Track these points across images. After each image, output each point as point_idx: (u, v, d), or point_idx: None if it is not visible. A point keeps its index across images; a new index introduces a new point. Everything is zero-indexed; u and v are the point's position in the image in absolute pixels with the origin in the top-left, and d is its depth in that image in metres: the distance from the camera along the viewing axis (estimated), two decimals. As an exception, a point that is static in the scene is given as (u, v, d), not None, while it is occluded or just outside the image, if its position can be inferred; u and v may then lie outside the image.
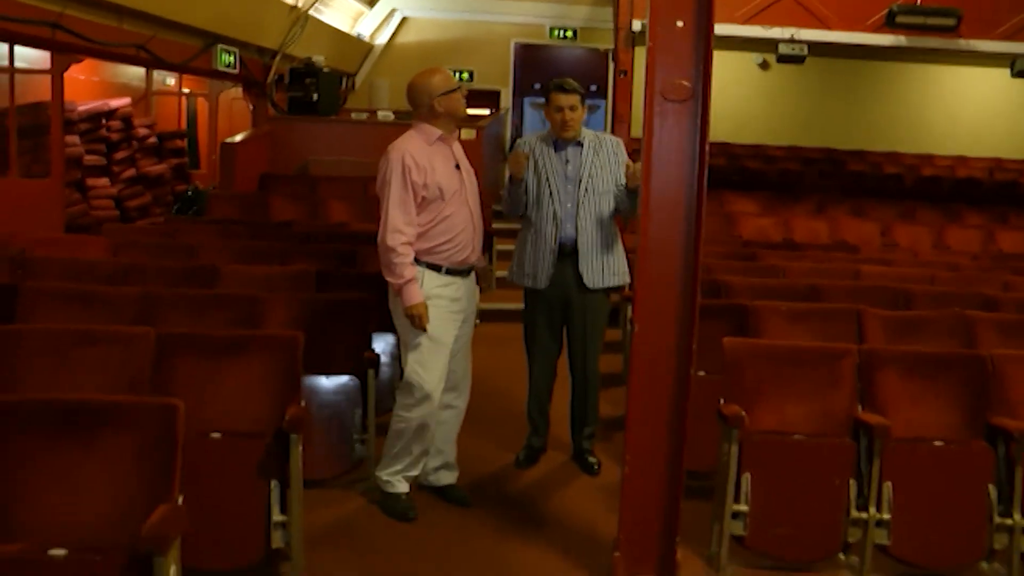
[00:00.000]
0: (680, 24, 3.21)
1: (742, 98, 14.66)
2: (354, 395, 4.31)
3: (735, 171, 12.81)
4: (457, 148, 4.18)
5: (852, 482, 3.66)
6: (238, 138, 10.20)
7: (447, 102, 4.03)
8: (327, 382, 4.26)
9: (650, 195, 3.36)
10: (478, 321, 4.59)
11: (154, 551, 2.37)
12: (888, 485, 3.64)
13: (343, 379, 4.29)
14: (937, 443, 3.73)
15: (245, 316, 4.41)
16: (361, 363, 4.36)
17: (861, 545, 3.65)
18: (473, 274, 4.23)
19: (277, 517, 3.36)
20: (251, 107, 10.83)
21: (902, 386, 3.85)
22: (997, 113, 14.10)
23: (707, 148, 3.28)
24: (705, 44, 3.21)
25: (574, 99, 4.51)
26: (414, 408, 3.99)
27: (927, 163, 13.78)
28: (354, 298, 4.65)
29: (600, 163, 4.54)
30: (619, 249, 4.58)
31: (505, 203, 4.68)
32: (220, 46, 9.19)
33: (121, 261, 5.68)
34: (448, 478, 4.33)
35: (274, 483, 3.37)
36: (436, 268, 4.02)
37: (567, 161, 4.55)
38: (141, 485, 2.60)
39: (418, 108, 4.06)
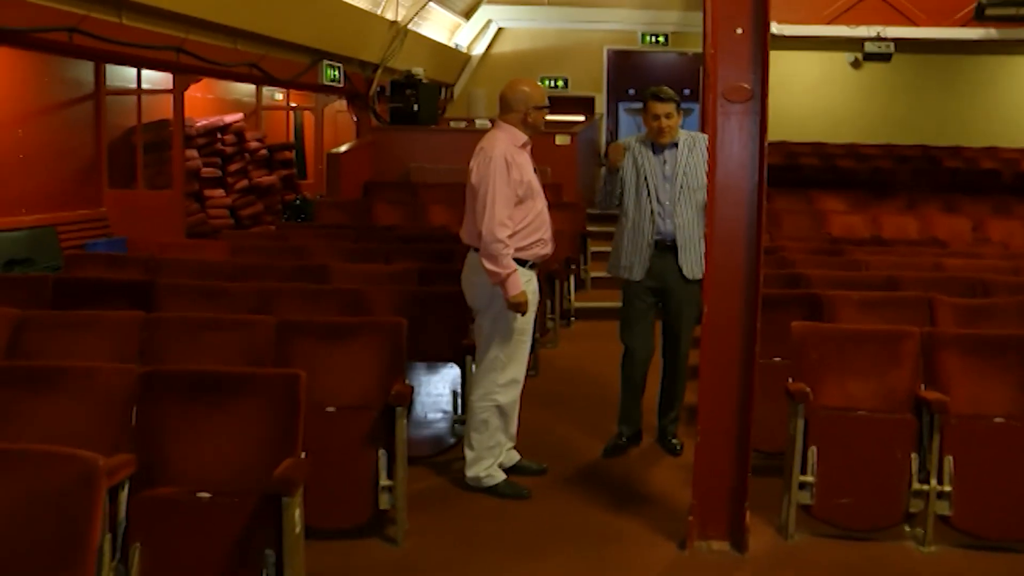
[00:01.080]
0: (739, 31, 3.52)
1: (834, 97, 14.69)
2: (453, 380, 4.72)
3: (827, 170, 12.86)
4: (530, 154, 4.52)
5: (914, 456, 3.89)
6: (343, 148, 10.79)
7: (537, 116, 4.39)
8: (428, 367, 4.68)
9: (715, 188, 3.68)
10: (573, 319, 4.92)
11: (283, 493, 2.81)
12: (949, 459, 3.85)
13: (444, 365, 4.70)
14: (998, 420, 3.94)
15: (353, 307, 4.85)
16: (459, 350, 4.73)
17: (923, 516, 3.87)
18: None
19: (384, 482, 3.77)
20: (354, 119, 11.44)
21: (964, 366, 4.06)
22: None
23: (766, 144, 3.60)
24: (762, 49, 3.52)
25: (670, 107, 4.76)
26: (501, 392, 4.33)
27: (1027, 157, 13.58)
28: (452, 291, 5.03)
29: (694, 161, 4.75)
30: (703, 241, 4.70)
31: (600, 196, 4.98)
32: (325, 62, 9.80)
33: (240, 262, 6.23)
34: (515, 455, 4.63)
35: (381, 452, 3.79)
36: (523, 263, 4.30)
37: (664, 162, 4.80)
38: (270, 441, 3.04)
39: (511, 112, 4.38)
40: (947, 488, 3.84)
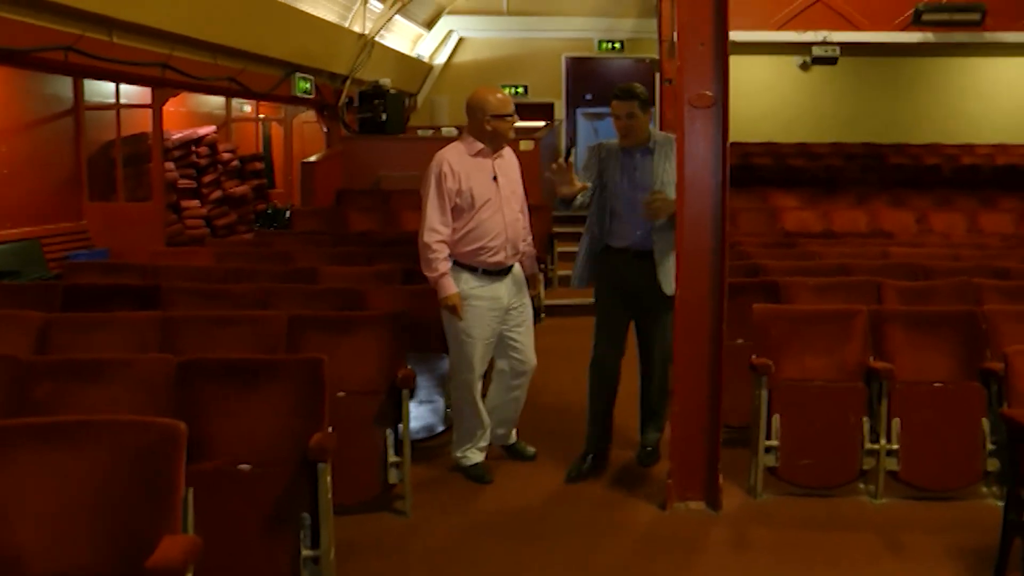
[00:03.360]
0: (702, 46, 3.97)
1: (785, 99, 15.29)
2: (443, 369, 5.09)
3: (780, 169, 13.41)
4: (503, 162, 4.57)
5: (865, 419, 4.36)
6: (315, 158, 11.13)
7: (499, 124, 4.46)
8: (420, 358, 5.03)
9: (684, 185, 4.12)
10: (543, 316, 5.12)
11: (319, 459, 3.20)
12: (896, 421, 4.33)
13: (435, 355, 5.07)
14: (937, 384, 4.42)
15: (349, 304, 5.21)
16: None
17: (875, 472, 4.35)
18: (515, 274, 4.63)
19: (392, 459, 4.16)
20: (325, 129, 11.78)
21: (907, 339, 4.55)
22: (1036, 100, 14.54)
23: (728, 144, 4.04)
24: (722, 61, 3.97)
25: (631, 106, 4.46)
26: (457, 390, 4.65)
27: (967, 152, 14.24)
28: (438, 287, 5.43)
29: (672, 167, 4.37)
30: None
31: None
32: (298, 74, 10.14)
33: (230, 267, 6.53)
34: (512, 437, 4.94)
35: (389, 431, 4.18)
36: (472, 270, 4.47)
37: (636, 168, 4.52)
38: (300, 418, 3.41)
39: (471, 121, 4.50)
40: (895, 446, 4.32)
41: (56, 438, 2.54)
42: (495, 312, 4.54)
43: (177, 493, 2.52)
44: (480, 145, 4.49)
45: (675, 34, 4.29)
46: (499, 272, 4.53)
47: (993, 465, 4.30)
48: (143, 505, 2.49)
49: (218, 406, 3.42)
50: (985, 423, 4.33)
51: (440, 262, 4.40)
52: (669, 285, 4.37)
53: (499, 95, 4.52)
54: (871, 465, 4.36)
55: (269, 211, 12.00)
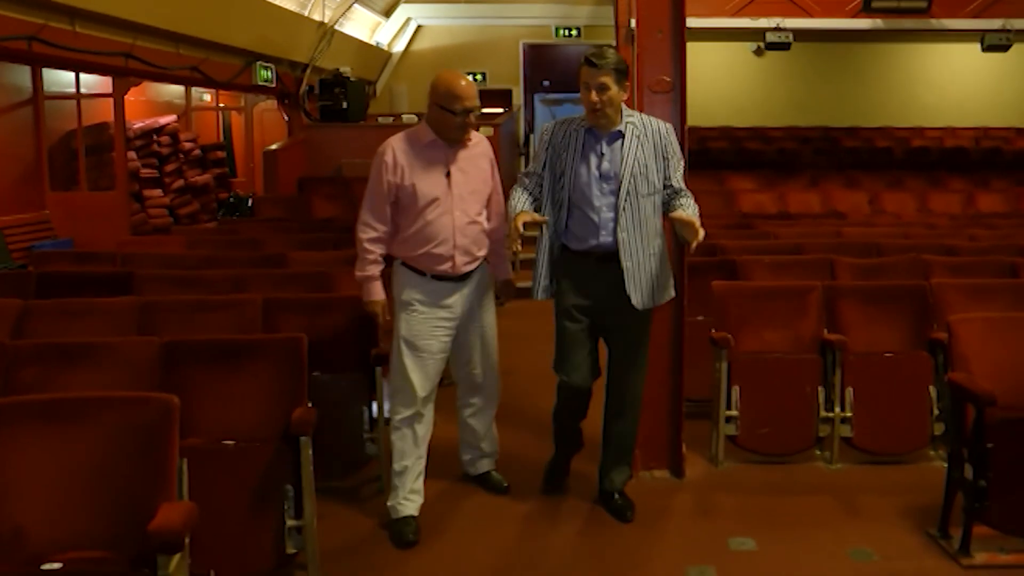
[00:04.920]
0: (660, 33, 4.14)
1: (740, 84, 15.55)
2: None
3: (736, 152, 13.68)
4: (466, 156, 3.93)
5: (820, 389, 4.57)
6: (276, 146, 11.18)
7: (441, 116, 3.80)
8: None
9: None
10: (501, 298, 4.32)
11: (302, 433, 3.34)
12: (850, 390, 4.55)
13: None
14: (888, 355, 4.65)
15: (320, 287, 5.33)
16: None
17: (830, 439, 4.57)
18: (477, 280, 4.03)
19: (368, 433, 4.31)
20: (286, 117, 11.83)
21: (860, 312, 4.77)
22: (982, 84, 14.91)
23: (686, 127, 4.22)
24: (680, 47, 4.14)
25: (605, 76, 3.60)
26: (400, 412, 3.93)
27: (917, 135, 14.59)
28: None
29: (646, 157, 3.71)
30: (665, 259, 3.89)
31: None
32: (259, 63, 10.18)
33: (201, 253, 6.64)
34: (485, 466, 4.36)
35: (363, 408, 4.33)
36: (420, 273, 3.90)
37: (602, 154, 3.72)
38: (281, 396, 3.53)
39: (428, 105, 3.88)
40: (848, 414, 4.54)
41: (56, 415, 2.66)
42: (446, 323, 3.94)
43: (172, 463, 2.66)
44: (430, 134, 3.86)
45: (632, 21, 4.39)
46: (452, 278, 3.93)
47: (939, 429, 4.54)
48: (141, 475, 2.63)
49: (203, 385, 3.53)
50: (932, 390, 4.56)
51: (369, 263, 3.91)
52: (641, 297, 3.73)
53: (454, 87, 3.77)
54: (826, 432, 4.58)
55: (232, 199, 12.04)
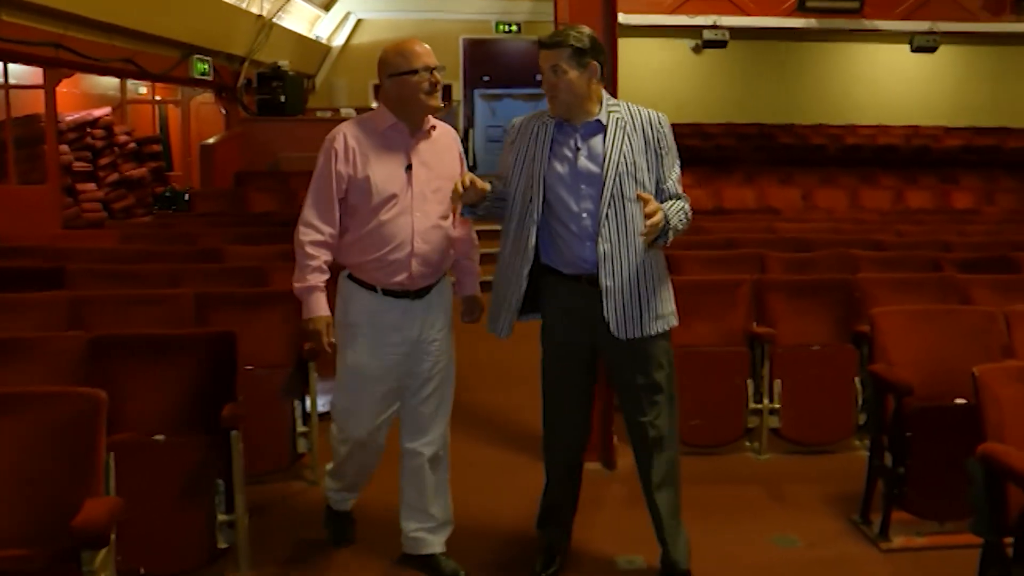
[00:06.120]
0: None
1: (678, 81, 15.70)
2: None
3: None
4: (429, 146, 3.30)
5: (750, 381, 4.67)
6: (213, 140, 11.06)
7: (399, 87, 3.18)
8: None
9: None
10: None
11: (233, 427, 3.33)
12: (778, 382, 4.66)
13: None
14: (815, 347, 4.76)
15: (254, 282, 5.29)
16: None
17: (759, 430, 4.68)
18: (436, 298, 3.36)
19: (300, 428, 4.30)
20: (223, 111, 11.70)
21: (788, 305, 4.88)
22: (913, 84, 15.25)
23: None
24: (611, 42, 4.19)
25: (558, 58, 3.06)
26: (341, 445, 3.47)
27: (851, 133, 14.89)
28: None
29: (635, 152, 3.09)
30: (663, 278, 3.20)
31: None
32: (196, 56, 10.06)
33: (135, 248, 6.55)
34: (430, 545, 3.47)
35: (296, 403, 4.32)
36: (371, 288, 3.26)
37: (577, 149, 3.12)
38: (211, 391, 3.51)
39: (380, 86, 3.27)
40: (777, 406, 4.64)
41: (-24, 410, 2.62)
42: (399, 348, 3.30)
43: (99, 458, 2.64)
44: (391, 118, 3.23)
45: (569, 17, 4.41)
46: (408, 294, 3.28)
47: (864, 419, 4.66)
48: (66, 471, 2.61)
49: (132, 380, 3.49)
50: (857, 382, 4.68)
51: (310, 271, 3.19)
52: (621, 324, 3.09)
53: (406, 46, 3.20)
54: (755, 424, 4.68)
55: (167, 193, 11.86)
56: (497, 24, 15.54)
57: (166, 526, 3.28)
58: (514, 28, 15.55)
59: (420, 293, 3.29)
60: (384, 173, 3.18)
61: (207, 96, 12.80)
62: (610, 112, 3.12)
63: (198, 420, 3.47)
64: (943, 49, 12.52)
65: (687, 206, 3.15)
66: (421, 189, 3.22)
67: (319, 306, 3.21)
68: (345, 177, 3.18)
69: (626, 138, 3.09)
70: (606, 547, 3.67)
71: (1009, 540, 2.79)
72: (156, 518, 3.24)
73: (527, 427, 5.15)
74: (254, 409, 3.89)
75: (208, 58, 10.42)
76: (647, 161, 3.09)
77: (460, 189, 3.03)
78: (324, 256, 3.22)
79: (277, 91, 11.67)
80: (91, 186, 10.90)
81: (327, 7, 14.67)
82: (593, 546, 3.71)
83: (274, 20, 11.75)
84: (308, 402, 4.37)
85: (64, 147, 10.22)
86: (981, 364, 3.04)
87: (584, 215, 3.08)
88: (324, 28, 14.93)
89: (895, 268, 5.73)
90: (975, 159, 12.80)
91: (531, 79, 17.16)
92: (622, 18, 4.00)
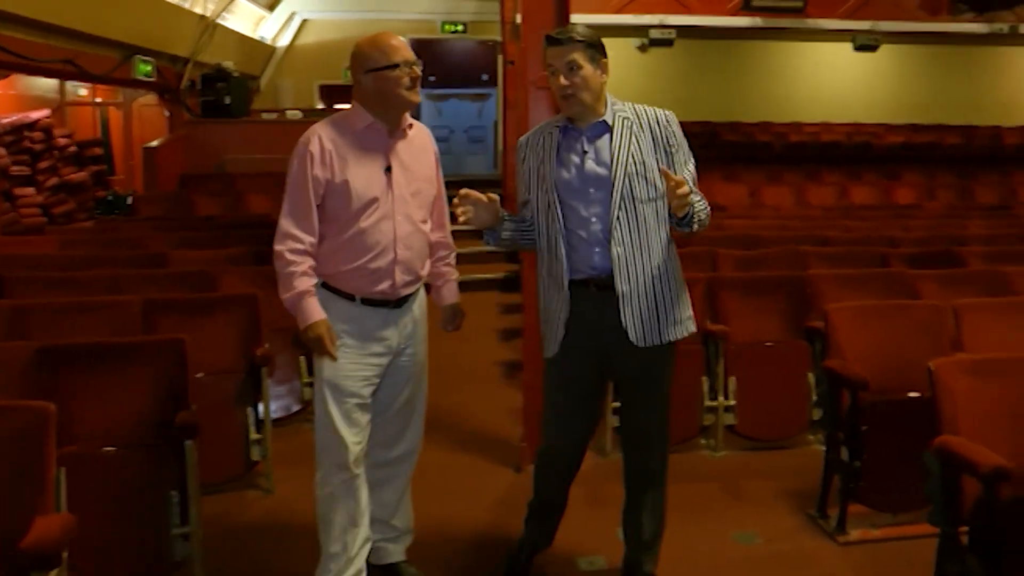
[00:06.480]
0: (542, 32, 4.15)
1: (625, 79, 15.65)
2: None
3: (621, 148, 13.84)
4: (406, 147, 3.15)
5: (704, 379, 4.69)
6: (157, 143, 10.87)
7: (379, 82, 3.01)
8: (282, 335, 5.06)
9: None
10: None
11: (187, 437, 3.26)
12: (732, 379, 4.69)
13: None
14: (768, 344, 4.80)
15: (202, 287, 5.19)
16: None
17: (714, 427, 4.71)
18: (415, 306, 3.24)
19: (254, 436, 4.23)
20: (167, 113, 11.50)
21: (741, 303, 4.92)
22: (855, 82, 15.46)
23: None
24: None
25: (574, 53, 2.94)
26: (332, 477, 3.13)
27: (795, 130, 15.04)
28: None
29: (643, 153, 2.99)
30: (680, 282, 3.13)
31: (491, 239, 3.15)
32: (138, 57, 9.86)
33: (76, 254, 6.40)
34: (392, 554, 3.43)
35: (249, 410, 4.25)
36: (348, 298, 3.10)
37: (584, 152, 3.01)
38: (163, 398, 3.44)
39: (355, 84, 3.10)
40: (732, 403, 4.67)
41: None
42: (378, 360, 3.15)
43: (49, 473, 2.56)
44: (368, 117, 3.08)
45: (518, 16, 4.37)
46: (387, 303, 3.14)
47: (818, 414, 4.71)
48: (15, 488, 2.53)
49: (81, 391, 3.41)
50: (810, 377, 4.73)
51: (298, 277, 2.99)
52: (640, 331, 2.99)
53: (383, 40, 3.04)
54: (711, 421, 4.71)
55: (110, 198, 11.62)
56: (443, 24, 15.48)
57: (119, 540, 3.21)
58: (460, 28, 15.50)
59: (400, 302, 3.16)
60: (364, 176, 3.03)
61: (150, 98, 12.55)
62: (616, 112, 3.03)
63: (150, 430, 3.41)
64: (884, 48, 12.74)
65: (705, 203, 3.02)
66: (401, 192, 3.09)
67: (314, 311, 3.00)
68: (322, 182, 3.00)
69: (633, 138, 2.99)
70: (566, 548, 3.65)
71: (964, 529, 2.83)
72: (109, 532, 3.17)
73: (479, 429, 5.16)
74: (206, 417, 3.80)
75: (151, 59, 10.22)
76: (657, 160, 2.98)
77: (485, 199, 2.96)
78: (308, 262, 3.02)
79: (222, 92, 11.49)
80: (30, 191, 10.59)
81: (271, 7, 14.48)
82: (553, 547, 3.67)
83: (218, 21, 11.57)
84: (261, 408, 4.31)
85: (1, 150, 9.95)
86: (933, 358, 3.08)
87: (594, 219, 2.97)
88: (269, 29, 14.74)
89: (844, 264, 5.80)
90: (915, 155, 13.02)
91: (477, 79, 17.28)
92: (570, 18, 4.00)
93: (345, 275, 3.06)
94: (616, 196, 2.94)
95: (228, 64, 11.62)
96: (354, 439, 3.11)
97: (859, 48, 12.28)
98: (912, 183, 11.24)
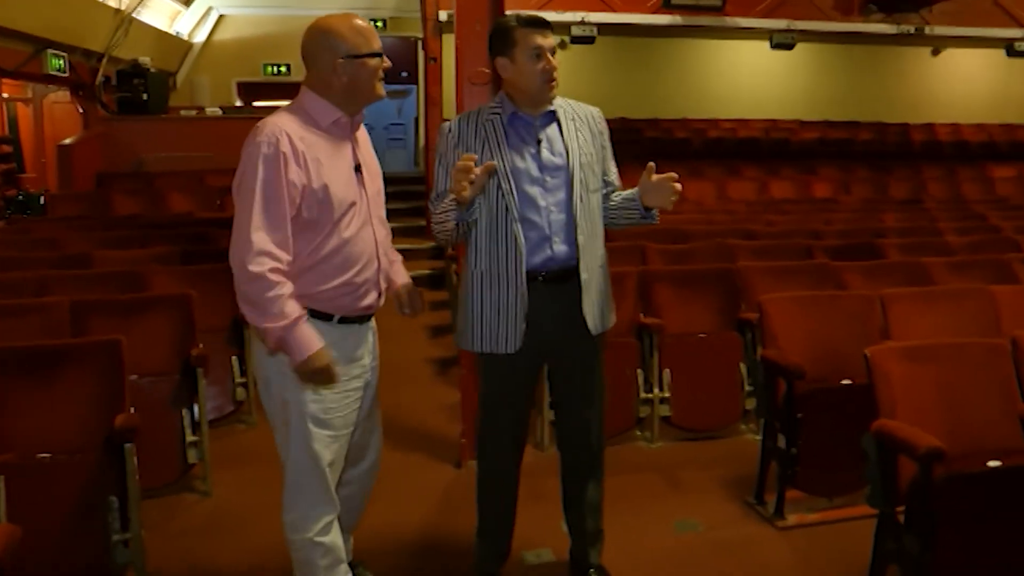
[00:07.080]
0: (478, 27, 4.19)
1: (547, 76, 15.83)
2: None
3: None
4: (362, 140, 2.87)
5: (640, 371, 4.76)
6: (71, 140, 10.56)
7: (355, 71, 2.66)
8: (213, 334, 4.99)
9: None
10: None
11: (126, 440, 3.19)
12: (667, 371, 4.77)
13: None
14: (701, 335, 4.89)
15: (131, 287, 5.07)
16: (237, 322, 5.07)
17: (650, 419, 4.78)
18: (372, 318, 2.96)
19: (190, 438, 4.16)
20: (81, 109, 11.16)
21: (673, 295, 5.00)
22: (771, 79, 15.81)
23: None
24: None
25: (551, 37, 3.04)
26: (315, 523, 2.79)
27: (713, 126, 15.32)
28: (224, 267, 5.36)
29: (590, 144, 3.04)
30: (608, 272, 3.17)
31: (437, 230, 2.96)
32: (50, 51, 9.55)
33: (-7, 256, 6.19)
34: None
35: (185, 411, 4.18)
36: (326, 318, 2.73)
37: (539, 140, 2.98)
38: (100, 402, 3.37)
39: (313, 69, 2.71)
40: (666, 394, 4.75)
41: None
42: (358, 383, 2.87)
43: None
44: (335, 111, 2.71)
45: (441, 13, 4.35)
46: (361, 318, 2.86)
47: (750, 404, 4.82)
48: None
49: (13, 397, 3.33)
50: (743, 367, 4.84)
51: (286, 301, 2.54)
52: (596, 318, 3.01)
53: (358, 23, 2.73)
54: (647, 413, 4.77)
55: (20, 197, 11.29)
56: (363, 20, 15.35)
57: (59, 548, 3.14)
58: (379, 24, 15.34)
59: (368, 318, 2.89)
60: (341, 178, 2.67)
61: (62, 94, 12.20)
62: (556, 104, 3.06)
63: (88, 435, 3.33)
64: (799, 47, 13.04)
65: None
66: (371, 193, 2.81)
67: (314, 339, 2.58)
68: (299, 187, 2.57)
69: (578, 130, 3.03)
70: (513, 543, 3.66)
71: (901, 509, 2.94)
72: (48, 539, 3.10)
73: (417, 427, 5.15)
74: (142, 420, 3.75)
75: (63, 53, 9.90)
76: (595, 154, 3.04)
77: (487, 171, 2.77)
78: (288, 285, 2.56)
79: (139, 89, 11.22)
80: (-64, 191, 10.26)
81: (188, 2, 14.18)
82: (499, 542, 3.71)
83: (133, 15, 11.28)
84: (197, 410, 4.23)
85: (-96, 149, 9.60)
86: (864, 346, 3.19)
87: (553, 208, 2.94)
88: (185, 24, 14.42)
89: (771, 256, 5.93)
90: (830, 151, 13.36)
91: (397, 76, 17.13)
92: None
93: (326, 294, 2.70)
94: (577, 185, 2.94)
95: (144, 60, 11.36)
96: (335, 477, 2.83)
97: (776, 46, 12.55)
98: (829, 178, 11.52)
